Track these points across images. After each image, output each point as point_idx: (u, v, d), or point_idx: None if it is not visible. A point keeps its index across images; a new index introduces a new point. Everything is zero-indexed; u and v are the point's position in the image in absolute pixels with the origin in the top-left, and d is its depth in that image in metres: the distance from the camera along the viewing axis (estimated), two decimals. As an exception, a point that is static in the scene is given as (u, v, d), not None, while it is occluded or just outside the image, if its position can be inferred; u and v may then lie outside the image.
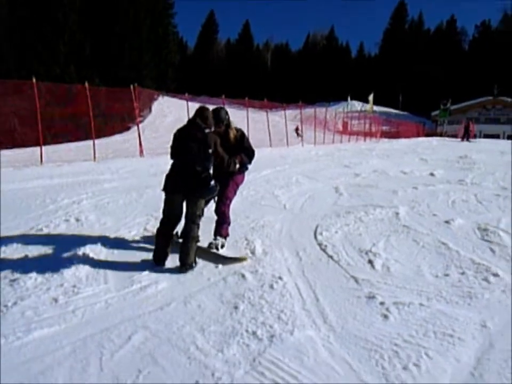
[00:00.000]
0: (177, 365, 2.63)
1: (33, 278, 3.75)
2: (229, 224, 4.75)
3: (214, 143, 4.18)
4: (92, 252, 4.40)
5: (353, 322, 3.21)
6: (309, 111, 29.57)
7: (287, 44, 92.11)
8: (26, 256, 4.31)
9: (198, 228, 4.26)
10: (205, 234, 4.54)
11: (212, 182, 4.19)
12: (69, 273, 3.89)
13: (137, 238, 5.10)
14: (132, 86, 15.55)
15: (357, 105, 52.67)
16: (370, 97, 41.02)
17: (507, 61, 64.13)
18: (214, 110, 4.59)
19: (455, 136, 40.87)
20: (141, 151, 14.84)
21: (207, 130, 4.17)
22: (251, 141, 5.00)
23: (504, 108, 59.54)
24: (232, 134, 4.69)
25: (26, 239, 4.81)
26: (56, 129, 17.79)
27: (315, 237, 5.28)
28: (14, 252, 4.42)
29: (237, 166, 4.56)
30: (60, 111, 18.33)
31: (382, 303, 3.51)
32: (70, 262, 4.13)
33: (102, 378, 2.49)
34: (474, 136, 35.51)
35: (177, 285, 3.82)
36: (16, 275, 3.79)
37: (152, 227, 5.42)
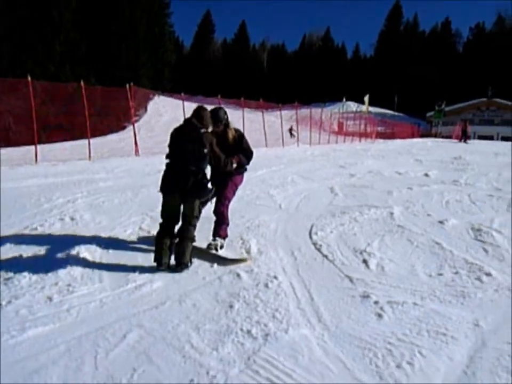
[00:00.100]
0: (172, 363, 2.63)
1: (28, 276, 3.75)
2: (227, 225, 4.72)
3: (210, 143, 4.17)
4: (86, 250, 4.39)
5: (348, 321, 3.23)
6: (304, 111, 29.58)
7: (283, 44, 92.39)
8: (20, 255, 4.30)
9: (194, 228, 4.25)
10: (202, 233, 4.55)
11: (208, 184, 4.19)
12: (63, 272, 3.89)
13: (132, 237, 5.09)
14: (127, 85, 15.52)
15: (353, 106, 52.77)
16: (366, 98, 41.12)
17: (501, 62, 64.49)
18: (212, 110, 4.58)
19: (449, 137, 41.06)
20: (137, 151, 14.83)
21: (203, 130, 4.15)
22: (247, 141, 4.99)
23: (498, 109, 59.86)
24: (230, 134, 4.66)
25: (20, 238, 4.81)
26: (51, 128, 17.75)
27: (310, 237, 5.29)
28: (8, 250, 4.41)
29: (234, 165, 4.53)
30: (55, 110, 18.26)
31: (376, 302, 3.52)
32: (64, 261, 4.13)
33: (96, 377, 2.49)
34: (469, 138, 35.66)
35: (172, 284, 3.82)
36: (11, 274, 3.79)
37: (148, 226, 5.44)
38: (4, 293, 3.47)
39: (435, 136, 46.14)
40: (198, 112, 4.27)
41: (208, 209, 4.78)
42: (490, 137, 47.04)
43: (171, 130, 4.32)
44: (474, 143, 30.88)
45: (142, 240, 4.96)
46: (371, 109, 44.92)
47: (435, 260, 4.61)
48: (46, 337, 2.86)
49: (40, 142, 13.28)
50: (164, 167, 4.25)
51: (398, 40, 76.24)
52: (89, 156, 12.92)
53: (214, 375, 2.51)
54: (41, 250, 4.44)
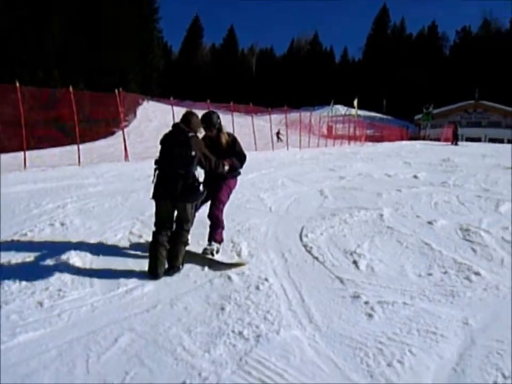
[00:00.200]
0: (164, 365, 2.64)
1: (18, 282, 3.72)
2: (223, 228, 4.69)
3: (199, 146, 4.17)
4: (77, 255, 4.37)
5: (339, 322, 3.25)
6: (294, 115, 29.70)
7: (271, 48, 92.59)
8: (10, 260, 4.27)
9: (188, 232, 4.25)
10: (194, 238, 4.54)
11: (199, 187, 4.18)
12: (54, 277, 3.88)
13: (123, 241, 5.08)
14: (116, 91, 15.48)
15: (341, 109, 53.04)
16: (355, 102, 41.33)
17: (487, 65, 65.30)
18: (205, 114, 4.59)
19: (438, 139, 41.38)
20: (126, 156, 14.77)
21: (190, 134, 4.15)
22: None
23: (485, 111, 60.58)
24: (224, 138, 4.67)
25: (10, 244, 4.78)
26: (40, 134, 17.62)
27: (300, 239, 5.31)
28: (-2, 256, 4.37)
29: (226, 167, 4.51)
30: (44, 116, 18.14)
31: (366, 303, 3.56)
32: (55, 266, 4.11)
33: (88, 380, 2.49)
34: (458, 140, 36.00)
35: (164, 288, 3.82)
36: (0, 279, 3.76)
37: (138, 230, 5.44)
38: (-6, 298, 3.45)
39: (423, 138, 46.50)
40: (186, 116, 4.28)
41: (202, 212, 4.78)
42: (477, 139, 47.48)
43: (160, 136, 4.31)
44: (464, 145, 31.14)
45: (132, 244, 4.96)
46: (360, 112, 45.11)
47: (424, 260, 4.65)
48: (37, 342, 2.85)
49: (28, 148, 13.18)
50: (153, 173, 4.25)
51: (386, 43, 76.91)
52: (79, 162, 12.85)
53: (206, 377, 2.52)
54: (31, 255, 4.41)
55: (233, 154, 4.68)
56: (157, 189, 4.17)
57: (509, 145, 32.13)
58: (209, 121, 4.55)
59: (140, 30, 35.73)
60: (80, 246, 4.69)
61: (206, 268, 4.25)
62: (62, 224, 5.69)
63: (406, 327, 3.17)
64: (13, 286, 3.65)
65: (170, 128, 4.31)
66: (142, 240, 5.03)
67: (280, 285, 3.92)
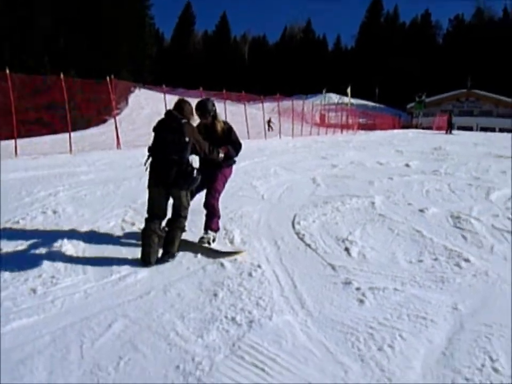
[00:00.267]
0: (158, 351, 2.66)
1: (11, 269, 3.72)
2: (219, 217, 4.68)
3: (192, 132, 4.16)
4: (70, 243, 4.37)
5: (330, 307, 3.29)
6: (286, 103, 29.60)
7: (264, 36, 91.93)
8: (2, 248, 4.27)
9: (185, 219, 4.25)
10: (188, 224, 4.55)
11: (193, 172, 4.15)
12: (47, 264, 3.88)
13: (115, 229, 5.08)
14: (108, 78, 15.35)
15: (334, 97, 52.92)
16: (349, 90, 41.22)
17: (480, 54, 65.37)
18: (200, 101, 4.57)
19: (430, 128, 41.52)
20: (118, 144, 14.71)
21: (183, 121, 4.14)
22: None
23: (477, 100, 60.85)
24: (219, 126, 4.63)
25: (2, 232, 4.76)
26: (30, 122, 17.44)
27: (293, 226, 5.35)
28: (-10, 244, 4.37)
29: (221, 155, 4.49)
30: (34, 103, 17.94)
31: (358, 289, 3.60)
32: (47, 254, 4.12)
33: (82, 365, 2.50)
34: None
35: (157, 274, 3.84)
36: (-7, 267, 3.76)
37: (131, 218, 5.45)
38: (-13, 286, 3.45)
39: (416, 127, 46.61)
40: (179, 104, 4.27)
41: (197, 200, 4.78)
42: (469, 128, 47.66)
43: (153, 123, 4.29)
44: (456, 134, 31.25)
45: (125, 231, 4.97)
46: (353, 100, 45.07)
47: (415, 247, 4.70)
48: (31, 328, 2.86)
49: (19, 136, 13.09)
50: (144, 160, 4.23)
51: (379, 32, 76.65)
52: (70, 150, 12.79)
53: (200, 361, 2.55)
54: (23, 243, 4.41)
55: (229, 142, 4.66)
56: (150, 176, 4.16)
57: (500, 134, 32.42)
58: (204, 109, 4.52)
59: (132, 17, 35.29)
60: (73, 234, 4.70)
61: (199, 255, 4.27)
62: (54, 212, 5.68)
63: (397, 312, 3.21)
64: (5, 273, 3.65)
65: (162, 116, 4.29)
66: (134, 228, 5.04)
67: (272, 271, 3.95)
